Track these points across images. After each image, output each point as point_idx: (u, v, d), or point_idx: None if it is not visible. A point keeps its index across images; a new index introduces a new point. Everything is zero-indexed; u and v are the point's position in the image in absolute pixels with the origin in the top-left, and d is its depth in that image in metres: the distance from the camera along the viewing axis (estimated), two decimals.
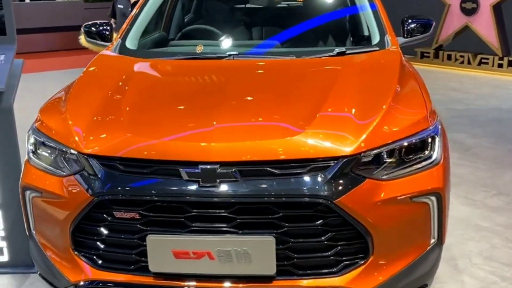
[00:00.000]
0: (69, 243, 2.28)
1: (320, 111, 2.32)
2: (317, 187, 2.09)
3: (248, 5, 4.08)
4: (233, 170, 2.09)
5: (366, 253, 2.19)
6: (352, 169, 2.16)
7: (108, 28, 3.54)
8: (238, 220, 2.11)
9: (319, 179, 2.11)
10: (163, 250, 2.14)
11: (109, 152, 2.21)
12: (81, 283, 2.28)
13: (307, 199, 2.08)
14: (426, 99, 2.53)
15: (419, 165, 2.30)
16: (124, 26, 3.50)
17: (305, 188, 2.09)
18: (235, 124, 2.28)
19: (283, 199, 2.08)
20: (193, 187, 2.10)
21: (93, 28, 3.56)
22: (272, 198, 2.09)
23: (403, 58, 2.98)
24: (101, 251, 2.25)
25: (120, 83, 2.70)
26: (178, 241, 2.13)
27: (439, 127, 2.44)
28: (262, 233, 2.11)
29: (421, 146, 2.32)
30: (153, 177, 2.15)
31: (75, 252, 2.29)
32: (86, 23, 3.61)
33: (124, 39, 3.36)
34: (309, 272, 2.18)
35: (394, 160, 2.25)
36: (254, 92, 2.59)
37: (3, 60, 3.09)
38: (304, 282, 2.16)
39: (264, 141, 2.16)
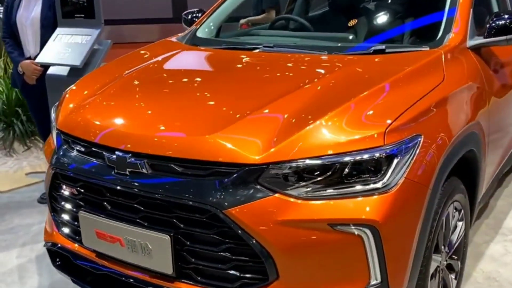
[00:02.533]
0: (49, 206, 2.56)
1: (253, 113, 2.11)
2: (211, 193, 1.95)
3: None
4: (142, 161, 2.08)
5: (267, 276, 1.96)
6: (258, 180, 1.94)
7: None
8: (143, 213, 2.11)
9: (217, 185, 1.96)
10: (90, 228, 2.26)
11: (65, 128, 2.40)
12: (48, 243, 2.54)
13: (198, 204, 1.96)
14: (407, 113, 2.08)
15: (355, 189, 1.94)
16: (206, 13, 3.62)
17: (199, 192, 1.97)
18: (163, 117, 2.23)
19: (179, 199, 2.00)
20: (110, 172, 2.16)
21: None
22: (170, 197, 2.02)
23: (444, 62, 2.47)
24: (59, 219, 2.47)
25: (136, 67, 2.83)
26: (99, 222, 2.22)
27: (407, 146, 2.00)
28: (160, 230, 2.06)
29: (362, 167, 1.95)
30: (88, 158, 2.27)
31: (52, 214, 2.55)
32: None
33: (201, 26, 3.49)
34: (209, 282, 2.05)
35: (321, 177, 1.94)
36: (220, 88, 2.46)
37: (87, 41, 3.54)
38: None
39: (174, 136, 2.09)
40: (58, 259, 2.52)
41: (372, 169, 1.96)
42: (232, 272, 2.00)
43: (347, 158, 1.94)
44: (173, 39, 3.40)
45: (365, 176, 1.95)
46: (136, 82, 2.62)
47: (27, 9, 3.88)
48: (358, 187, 1.94)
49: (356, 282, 1.99)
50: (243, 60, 2.80)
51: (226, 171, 1.97)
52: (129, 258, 2.17)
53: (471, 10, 2.82)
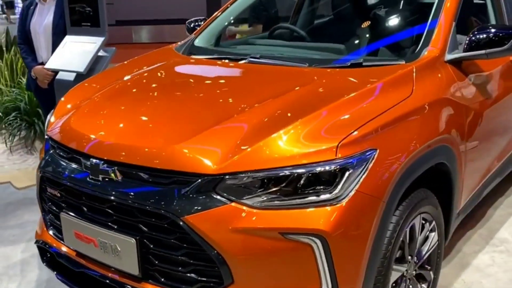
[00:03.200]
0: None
1: (219, 124, 2.23)
2: (171, 200, 2.08)
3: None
4: (113, 168, 2.23)
5: (223, 280, 2.08)
6: (216, 189, 2.06)
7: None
8: (114, 217, 2.25)
9: (177, 193, 2.08)
10: (69, 228, 2.42)
11: (51, 134, 2.58)
12: (39, 241, 2.72)
13: (159, 210, 2.09)
14: (364, 127, 2.15)
15: (307, 200, 2.04)
16: (205, 23, 3.76)
17: (161, 200, 2.10)
18: (134, 127, 2.37)
19: (143, 206, 2.13)
20: (86, 178, 2.31)
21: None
22: (136, 203, 2.16)
23: (414, 77, 2.52)
24: (48, 219, 2.65)
25: (125, 76, 2.99)
26: (76, 224, 2.37)
27: (360, 159, 2.07)
28: (128, 234, 2.20)
29: (315, 179, 2.04)
30: (68, 163, 2.44)
31: (42, 214, 2.73)
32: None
33: (199, 35, 3.62)
34: (170, 283, 2.18)
35: (276, 188, 2.04)
36: (195, 98, 2.58)
37: (92, 48, 3.72)
38: None
39: (143, 146, 2.22)
40: (46, 256, 2.69)
41: (325, 181, 2.04)
42: (191, 275, 2.12)
43: (300, 170, 2.04)
44: (173, 46, 3.54)
45: (317, 188, 2.04)
46: (117, 93, 2.77)
47: (40, 16, 4.11)
48: (310, 198, 2.03)
49: (307, 287, 2.08)
50: (226, 72, 2.91)
51: (186, 180, 2.09)
52: (102, 258, 2.32)
53: (453, 24, 2.85)
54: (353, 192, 2.05)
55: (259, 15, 4.77)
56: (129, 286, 2.25)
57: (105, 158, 2.25)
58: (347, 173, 2.05)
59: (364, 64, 2.70)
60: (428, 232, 2.60)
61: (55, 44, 4.05)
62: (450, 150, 2.59)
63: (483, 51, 2.73)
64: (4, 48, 7.56)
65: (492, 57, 2.79)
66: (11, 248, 3.62)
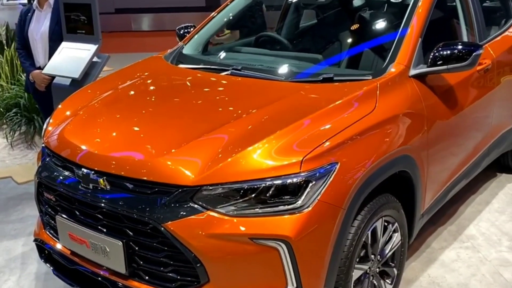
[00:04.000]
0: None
1: (202, 136, 2.48)
2: (153, 208, 2.33)
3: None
4: (103, 178, 2.48)
5: (199, 279, 2.34)
6: (193, 199, 2.32)
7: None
8: (103, 222, 2.51)
9: (158, 202, 2.34)
10: (64, 230, 2.68)
11: (47, 143, 2.83)
12: (37, 239, 2.99)
13: (144, 217, 2.34)
14: (327, 142, 2.40)
15: (275, 208, 2.29)
16: (194, 31, 3.98)
17: (144, 208, 2.35)
18: (121, 139, 2.62)
19: (129, 213, 2.39)
20: (78, 186, 2.57)
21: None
22: (122, 210, 2.41)
23: (378, 93, 2.77)
24: (45, 220, 2.91)
25: (115, 87, 3.23)
26: (70, 226, 2.63)
27: (322, 172, 2.33)
28: (115, 237, 2.46)
29: (283, 190, 2.29)
30: (62, 171, 2.69)
31: (40, 214, 2.99)
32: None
33: (188, 43, 3.86)
34: (153, 281, 2.44)
35: (247, 198, 2.30)
36: (179, 110, 2.83)
37: (87, 54, 3.96)
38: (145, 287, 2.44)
39: (128, 158, 2.47)
40: (44, 253, 2.96)
41: (290, 191, 2.30)
42: (171, 274, 2.39)
43: (269, 183, 2.29)
44: (162, 55, 3.77)
45: (284, 198, 2.30)
46: (107, 105, 3.01)
47: (37, 23, 4.34)
48: (277, 208, 2.29)
49: (275, 286, 2.35)
50: (210, 84, 3.15)
51: (167, 190, 2.34)
52: (93, 258, 2.59)
53: (420, 40, 3.08)
54: (315, 202, 2.31)
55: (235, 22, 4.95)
56: (118, 283, 2.52)
57: (95, 168, 2.50)
58: (310, 185, 2.30)
59: (334, 79, 2.94)
60: (391, 233, 2.86)
61: (52, 49, 4.29)
62: (411, 158, 2.84)
63: (445, 67, 2.97)
64: (5, 42, 7.78)
65: (453, 71, 3.02)
66: (13, 242, 3.89)
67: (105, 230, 2.51)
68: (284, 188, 2.30)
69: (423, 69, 3.01)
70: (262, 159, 2.35)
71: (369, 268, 2.75)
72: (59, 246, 2.80)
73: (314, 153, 2.35)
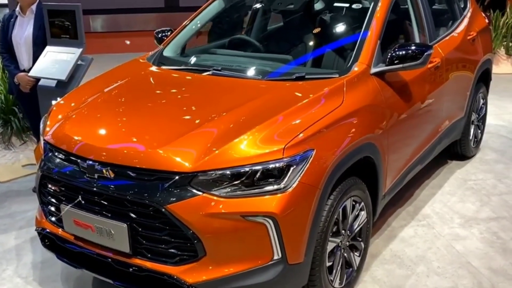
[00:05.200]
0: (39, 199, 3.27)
1: (195, 129, 2.82)
2: (155, 193, 2.66)
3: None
4: (107, 168, 2.80)
5: (197, 253, 2.68)
6: (191, 184, 2.66)
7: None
8: (108, 207, 2.82)
9: (160, 187, 2.67)
10: (69, 217, 2.97)
11: (49, 139, 3.11)
12: (39, 228, 3.26)
13: (147, 201, 2.67)
14: (304, 132, 2.78)
15: (262, 189, 2.66)
16: (173, 34, 4.30)
17: (147, 193, 2.68)
18: (124, 132, 2.95)
19: (133, 198, 2.71)
20: (83, 176, 2.87)
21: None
22: (126, 195, 2.73)
23: (345, 89, 3.17)
24: (47, 210, 3.19)
25: (109, 86, 3.53)
26: (76, 213, 2.92)
27: (301, 158, 2.70)
28: (120, 220, 2.78)
29: (268, 173, 2.66)
30: (67, 164, 2.98)
31: (41, 205, 3.26)
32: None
33: (167, 46, 4.18)
34: (155, 258, 2.77)
35: (238, 181, 2.65)
36: (171, 106, 3.18)
37: (72, 58, 4.22)
38: (148, 264, 2.77)
39: (131, 149, 2.79)
40: (46, 241, 3.23)
41: (275, 175, 2.67)
42: (172, 250, 2.72)
43: (256, 167, 2.66)
44: (143, 59, 4.07)
45: (269, 180, 2.67)
46: (103, 104, 3.32)
47: (20, 28, 4.57)
48: (264, 189, 2.66)
49: (263, 257, 2.71)
50: (194, 83, 3.49)
51: (167, 177, 2.68)
52: (98, 240, 2.89)
53: (378, 43, 3.51)
54: (296, 183, 2.69)
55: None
56: (122, 262, 2.83)
57: (100, 160, 2.81)
58: (291, 169, 2.68)
59: (306, 77, 3.33)
60: (358, 211, 3.27)
61: (36, 54, 4.51)
62: (374, 146, 3.26)
63: (401, 65, 3.41)
64: None
65: (408, 69, 3.47)
66: (5, 236, 4.12)
67: (109, 215, 2.81)
68: (269, 172, 2.67)
69: (382, 67, 3.44)
70: (249, 147, 2.71)
71: (341, 241, 3.15)
72: (62, 232, 3.08)
73: (294, 142, 2.74)
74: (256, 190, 2.66)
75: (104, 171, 2.79)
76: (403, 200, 4.50)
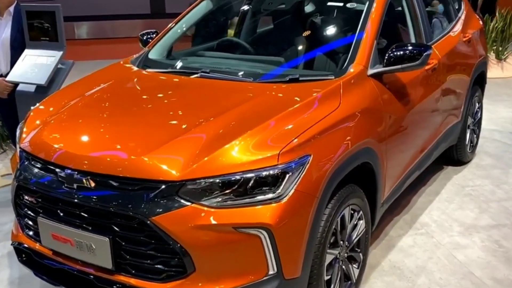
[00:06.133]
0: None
1: (182, 135, 2.62)
2: (140, 204, 2.45)
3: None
4: (87, 177, 2.58)
5: (186, 269, 2.47)
6: (178, 193, 2.45)
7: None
8: (88, 219, 2.60)
9: (145, 197, 2.46)
10: (47, 231, 2.75)
11: (25, 147, 2.89)
12: (15, 242, 3.03)
13: (130, 213, 2.46)
14: (300, 137, 2.59)
15: (255, 199, 2.46)
16: (159, 36, 4.10)
17: (131, 204, 2.47)
18: (106, 139, 2.73)
19: (115, 209, 2.50)
20: (62, 186, 2.65)
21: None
22: (108, 207, 2.52)
23: (342, 91, 2.99)
24: (23, 223, 2.96)
25: (90, 90, 3.32)
26: (53, 226, 2.71)
27: (297, 164, 2.51)
28: (102, 233, 2.56)
29: (261, 181, 2.46)
30: (44, 173, 2.76)
31: (17, 218, 3.03)
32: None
33: (153, 48, 3.97)
34: (140, 274, 2.55)
35: (229, 190, 2.45)
36: (156, 111, 2.97)
37: (52, 61, 4.01)
38: (133, 281, 2.55)
39: (113, 157, 2.59)
40: (23, 256, 3.00)
41: (269, 183, 2.47)
42: (158, 266, 2.51)
43: (249, 175, 2.46)
44: (126, 62, 3.86)
45: (263, 189, 2.47)
46: (84, 108, 3.11)
47: None
48: (257, 198, 2.46)
49: (257, 272, 2.51)
50: (181, 86, 3.29)
51: (152, 186, 2.47)
52: (78, 255, 2.67)
53: (375, 43, 3.33)
54: (292, 191, 2.49)
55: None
56: (104, 279, 2.61)
57: (79, 168, 2.60)
58: (287, 176, 2.49)
59: (300, 79, 3.14)
60: (356, 220, 3.08)
61: (14, 57, 4.29)
62: (373, 151, 3.08)
63: (399, 66, 3.24)
64: None
65: (407, 71, 3.30)
66: None
67: (90, 228, 2.60)
68: (263, 180, 2.47)
69: (379, 68, 3.27)
70: (241, 154, 2.52)
71: (339, 253, 2.96)
72: (40, 247, 2.86)
73: (289, 147, 2.54)
74: (249, 200, 2.46)
75: (84, 180, 2.58)
76: (399, 208, 4.32)
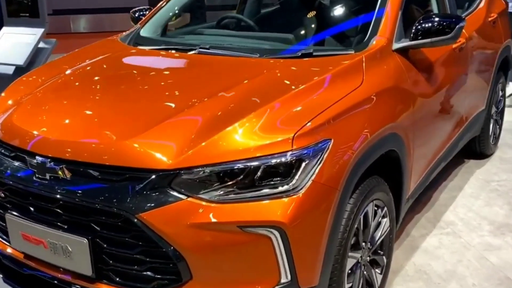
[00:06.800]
0: None
1: (176, 116, 2.18)
2: (124, 198, 2.02)
3: None
4: (62, 166, 2.14)
5: (181, 276, 2.04)
6: (171, 185, 2.02)
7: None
8: (63, 217, 2.17)
9: (130, 190, 2.03)
10: (16, 230, 2.32)
11: None
12: None
13: (114, 209, 2.03)
14: (317, 118, 2.16)
15: (264, 192, 2.02)
16: (152, 11, 3.67)
17: (114, 197, 2.03)
18: (83, 122, 2.30)
19: (95, 204, 2.06)
20: (32, 177, 2.22)
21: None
22: (87, 201, 2.08)
23: (364, 66, 2.55)
24: None
25: (72, 67, 2.88)
26: (23, 225, 2.27)
27: (315, 150, 2.08)
28: (79, 233, 2.13)
29: (272, 171, 2.03)
30: (12, 162, 2.33)
31: None
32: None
33: (145, 25, 3.53)
34: (126, 283, 2.12)
35: (232, 181, 2.02)
36: (146, 91, 2.53)
37: (31, 40, 3.57)
38: None
39: (92, 142, 2.15)
40: None
41: (281, 173, 2.04)
42: (148, 273, 2.08)
43: (256, 163, 2.02)
44: (116, 37, 3.43)
45: (274, 179, 2.04)
46: (62, 87, 2.67)
47: None
48: (267, 190, 2.02)
49: (267, 280, 2.08)
50: (176, 63, 2.86)
51: (139, 176, 2.03)
52: (52, 260, 2.24)
53: (400, 13, 2.89)
54: (309, 183, 2.06)
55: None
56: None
57: (52, 155, 2.16)
58: (303, 164, 2.05)
59: (314, 54, 2.70)
60: (380, 218, 2.64)
61: None
62: (399, 137, 2.64)
63: (428, 40, 2.79)
64: None
65: (436, 45, 2.86)
66: None
67: (66, 227, 2.17)
68: (274, 169, 2.04)
69: (406, 42, 2.82)
70: (248, 137, 2.08)
71: (361, 257, 2.52)
72: (9, 249, 2.43)
73: (306, 129, 2.11)
74: (257, 193, 2.03)
75: (58, 170, 2.14)
76: (420, 205, 3.88)
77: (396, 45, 2.80)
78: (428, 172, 3.27)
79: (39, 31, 3.63)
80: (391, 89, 2.64)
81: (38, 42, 3.60)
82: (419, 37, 2.80)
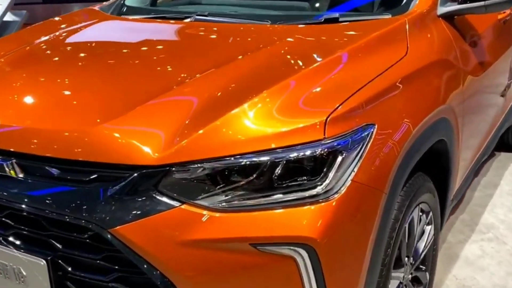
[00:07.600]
0: None
1: (160, 96, 1.63)
2: (93, 205, 1.47)
3: None
4: (11, 161, 1.59)
5: None
6: (158, 187, 1.47)
7: None
8: (14, 229, 1.62)
9: (102, 194, 1.48)
10: None
11: None
12: None
13: (76, 220, 1.47)
14: (354, 97, 1.61)
15: (287, 196, 1.47)
16: None
17: (79, 204, 1.49)
18: (43, 105, 1.75)
19: (54, 213, 1.51)
20: None
21: None
22: (44, 210, 1.54)
23: (408, 32, 2.00)
24: None
25: (41, 38, 2.33)
26: None
27: (355, 139, 1.53)
28: (35, 253, 1.58)
29: (296, 167, 1.48)
30: None
31: None
32: None
33: None
34: None
35: (242, 182, 1.47)
36: (129, 66, 1.97)
37: None
38: None
39: (51, 130, 1.59)
40: None
41: (309, 170, 1.49)
42: None
43: (274, 156, 1.47)
44: (97, 7, 2.88)
45: (299, 179, 1.49)
46: (23, 61, 2.11)
47: None
48: (290, 195, 1.48)
49: None
50: (166, 32, 2.31)
51: (114, 175, 1.48)
52: (3, 286, 1.69)
53: None
54: (347, 183, 1.51)
55: None
56: None
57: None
58: (339, 158, 1.50)
59: (341, 19, 2.15)
60: (424, 226, 2.10)
61: None
62: (449, 123, 2.10)
63: (482, 3, 2.24)
64: None
65: (490, 11, 2.30)
66: None
67: (18, 243, 1.62)
68: (299, 165, 1.49)
69: (453, 6, 2.27)
70: (261, 123, 1.54)
71: (403, 276, 1.98)
72: None
73: (342, 111, 1.55)
74: (276, 198, 1.47)
75: (5, 166, 1.59)
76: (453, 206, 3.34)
77: (442, 9, 2.25)
78: (473, 166, 2.73)
79: (5, 1, 3.07)
80: (439, 62, 2.10)
81: (4, 14, 3.04)
82: (469, 1, 2.25)
